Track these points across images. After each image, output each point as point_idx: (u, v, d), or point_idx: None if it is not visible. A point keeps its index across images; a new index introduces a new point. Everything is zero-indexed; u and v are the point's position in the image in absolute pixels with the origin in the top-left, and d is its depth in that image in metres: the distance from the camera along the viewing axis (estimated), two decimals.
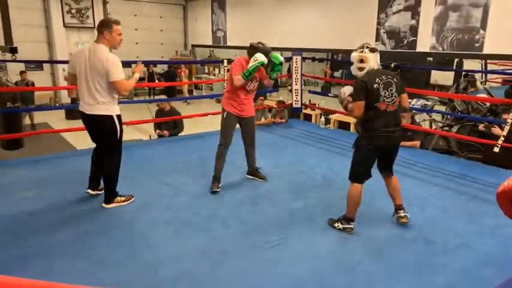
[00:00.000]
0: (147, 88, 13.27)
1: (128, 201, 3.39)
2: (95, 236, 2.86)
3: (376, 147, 2.93)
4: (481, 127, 4.95)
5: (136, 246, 2.75)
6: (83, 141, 7.08)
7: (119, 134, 3.20)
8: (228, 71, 6.31)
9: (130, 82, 3.20)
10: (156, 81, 12.80)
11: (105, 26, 3.05)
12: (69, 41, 12.35)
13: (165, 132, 5.85)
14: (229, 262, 2.58)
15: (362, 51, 2.95)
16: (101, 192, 3.47)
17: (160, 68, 13.91)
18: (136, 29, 13.64)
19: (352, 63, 3.00)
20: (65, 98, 11.93)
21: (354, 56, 2.99)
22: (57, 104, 11.85)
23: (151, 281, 2.36)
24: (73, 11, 12.20)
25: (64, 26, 12.13)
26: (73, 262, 2.53)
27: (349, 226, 3.00)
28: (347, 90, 3.05)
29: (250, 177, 4.08)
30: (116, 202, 3.33)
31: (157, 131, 5.95)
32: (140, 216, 3.19)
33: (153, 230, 2.98)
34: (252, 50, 3.64)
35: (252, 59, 3.55)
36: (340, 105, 3.21)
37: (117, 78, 3.01)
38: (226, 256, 2.65)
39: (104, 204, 3.32)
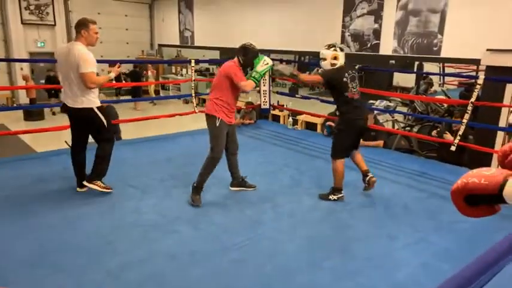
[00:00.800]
0: (113, 88, 12.91)
1: (106, 190, 3.49)
2: (54, 242, 2.75)
3: (356, 128, 3.57)
4: (433, 133, 5.22)
5: (100, 251, 2.66)
6: (42, 143, 6.79)
7: (105, 122, 3.41)
8: (195, 71, 6.27)
9: (100, 78, 3.41)
10: (123, 81, 12.49)
11: (82, 25, 3.31)
12: (27, 38, 11.81)
13: None
14: (198, 264, 2.56)
15: (335, 50, 3.48)
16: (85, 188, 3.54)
17: (125, 68, 13.57)
18: (100, 28, 13.20)
19: (324, 59, 3.51)
20: (23, 98, 11.38)
21: (328, 53, 3.49)
22: (15, 105, 11.29)
23: (115, 286, 2.30)
24: (32, 7, 11.67)
25: (22, 22, 11.58)
26: (31, 270, 2.42)
27: (341, 195, 3.61)
28: (285, 67, 3.93)
29: (237, 189, 3.80)
30: (95, 184, 3.45)
31: None
32: (105, 220, 3.09)
33: (118, 234, 2.90)
34: (246, 51, 3.47)
35: (261, 62, 3.42)
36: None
37: (85, 70, 3.18)
38: (194, 258, 2.62)
39: (84, 182, 3.45)
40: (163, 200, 3.53)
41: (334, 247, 2.84)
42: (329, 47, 3.49)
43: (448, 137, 4.85)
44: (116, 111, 5.86)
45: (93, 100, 3.33)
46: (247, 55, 3.47)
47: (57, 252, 2.63)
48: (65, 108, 3.38)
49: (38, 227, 2.94)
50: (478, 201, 0.87)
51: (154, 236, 2.88)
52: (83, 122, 3.42)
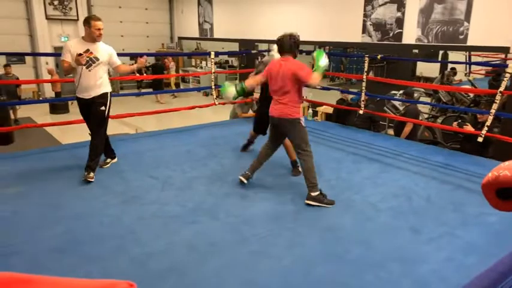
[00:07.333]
0: (135, 81, 13.10)
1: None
2: (81, 231, 2.83)
3: None
4: (454, 124, 5.07)
5: (123, 241, 2.72)
6: (67, 135, 6.97)
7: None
8: (215, 64, 6.26)
9: (128, 67, 3.96)
10: (144, 74, 12.65)
11: (84, 22, 3.62)
12: (51, 33, 12.10)
13: None
14: (217, 255, 2.58)
15: None
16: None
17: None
18: (121, 22, 13.42)
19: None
20: (48, 92, 11.71)
21: None
22: (41, 98, 11.62)
23: (139, 275, 2.35)
24: (55, 2, 11.93)
25: (46, 18, 11.86)
26: (59, 258, 2.50)
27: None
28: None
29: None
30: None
31: None
32: (127, 211, 3.16)
33: (140, 224, 2.96)
34: (298, 43, 3.49)
35: (324, 56, 3.34)
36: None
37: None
38: (214, 249, 2.65)
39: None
40: (183, 191, 3.57)
41: (356, 239, 2.81)
42: None
43: (469, 128, 4.70)
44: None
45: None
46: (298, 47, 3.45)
47: (84, 240, 2.70)
48: None
49: (64, 217, 3.02)
50: (510, 195, 0.84)
51: (174, 227, 2.92)
52: None
